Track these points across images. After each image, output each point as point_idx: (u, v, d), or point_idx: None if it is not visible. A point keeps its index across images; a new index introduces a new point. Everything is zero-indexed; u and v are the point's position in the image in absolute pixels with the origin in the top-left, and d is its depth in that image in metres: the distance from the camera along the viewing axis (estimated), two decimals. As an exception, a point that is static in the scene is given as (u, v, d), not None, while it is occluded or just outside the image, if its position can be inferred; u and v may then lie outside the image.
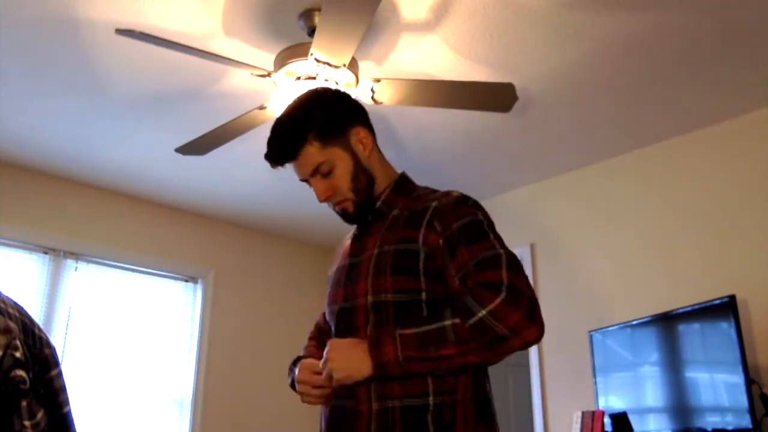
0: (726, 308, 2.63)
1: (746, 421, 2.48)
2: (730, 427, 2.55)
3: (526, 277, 1.24)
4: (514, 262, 1.25)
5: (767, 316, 2.83)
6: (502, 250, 1.26)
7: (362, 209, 1.45)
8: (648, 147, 3.47)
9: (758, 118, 3.12)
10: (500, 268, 1.22)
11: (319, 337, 1.60)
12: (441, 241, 1.30)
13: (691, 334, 2.82)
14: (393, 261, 1.32)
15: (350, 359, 1.24)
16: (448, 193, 1.39)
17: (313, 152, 1.39)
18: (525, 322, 1.17)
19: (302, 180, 1.45)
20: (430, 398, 1.24)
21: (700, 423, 2.67)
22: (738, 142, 3.17)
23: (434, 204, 1.36)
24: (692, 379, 2.75)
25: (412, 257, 1.32)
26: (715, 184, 3.20)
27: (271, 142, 1.41)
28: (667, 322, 2.89)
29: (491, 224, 1.35)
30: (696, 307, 2.80)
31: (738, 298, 2.68)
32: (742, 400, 2.49)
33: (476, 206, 1.37)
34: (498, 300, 1.17)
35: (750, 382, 2.51)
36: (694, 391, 2.72)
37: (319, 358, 1.35)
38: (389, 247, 1.35)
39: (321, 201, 1.45)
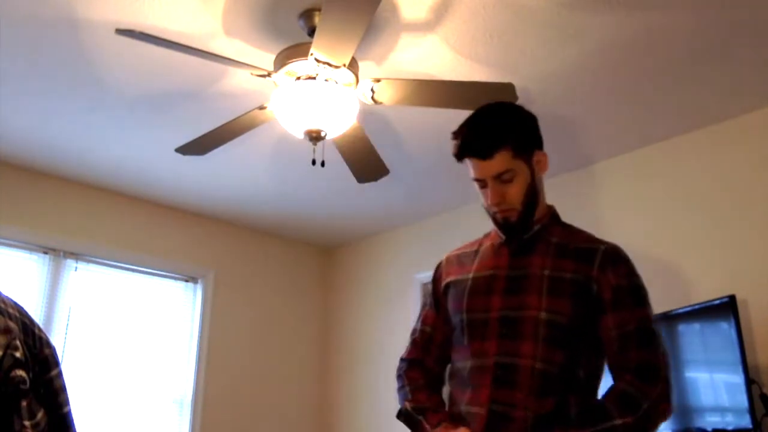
0: (726, 308, 2.63)
1: (746, 421, 2.48)
2: (730, 427, 2.55)
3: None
4: (662, 341, 1.48)
5: (767, 316, 2.83)
6: (654, 327, 1.48)
7: (523, 223, 1.56)
8: (647, 147, 3.47)
9: (759, 117, 3.12)
10: (657, 350, 1.45)
11: (427, 368, 1.69)
12: (610, 290, 1.49)
13: (691, 334, 2.81)
14: (572, 289, 1.48)
15: None
16: (611, 245, 1.57)
17: (505, 158, 1.50)
18: (671, 409, 1.43)
19: (477, 179, 1.55)
20: None
21: (700, 423, 2.67)
22: (739, 143, 3.17)
23: (602, 248, 1.54)
24: (692, 379, 2.75)
25: (585, 290, 1.49)
26: (716, 184, 3.20)
27: (470, 135, 1.53)
28: (667, 322, 2.88)
29: (647, 294, 1.53)
30: (696, 307, 2.80)
31: (738, 298, 2.68)
32: (742, 400, 2.49)
33: (636, 271, 1.56)
34: (657, 391, 1.41)
35: (750, 382, 2.51)
36: (694, 391, 2.72)
37: (439, 413, 1.56)
38: (567, 275, 1.50)
39: (489, 204, 1.56)
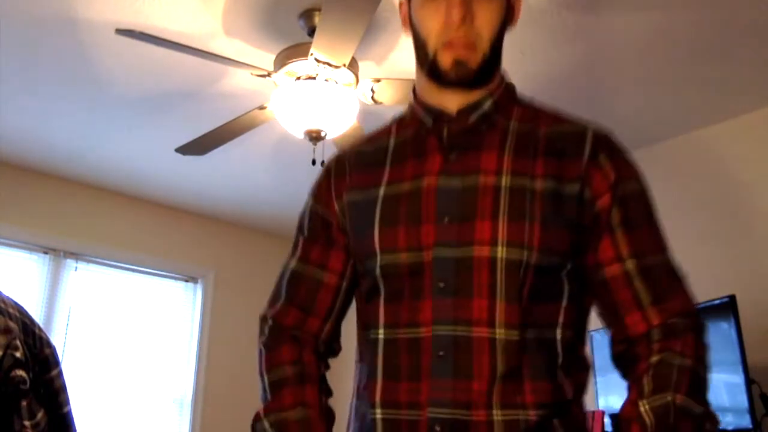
0: (726, 308, 2.63)
1: (746, 421, 2.48)
2: (730, 427, 2.55)
3: None
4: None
5: (766, 316, 2.83)
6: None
7: (480, 76, 1.02)
8: (647, 147, 3.47)
9: (759, 117, 3.12)
10: (684, 285, 1.02)
11: (304, 344, 1.11)
12: (614, 196, 0.99)
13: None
14: (544, 205, 0.96)
15: None
16: (601, 127, 1.07)
17: None
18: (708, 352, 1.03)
19: None
20: None
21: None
22: (739, 142, 3.17)
23: (592, 130, 1.04)
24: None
25: (568, 204, 0.97)
26: (715, 184, 3.20)
27: None
28: (667, 322, 2.88)
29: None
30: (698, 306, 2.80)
31: (738, 298, 2.68)
32: (742, 400, 2.49)
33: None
34: (700, 343, 1.04)
35: (750, 382, 2.51)
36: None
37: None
38: (537, 183, 0.97)
39: (444, 24, 0.99)
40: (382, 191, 1.04)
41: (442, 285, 0.95)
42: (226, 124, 2.69)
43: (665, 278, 1.00)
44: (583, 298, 1.03)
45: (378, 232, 1.01)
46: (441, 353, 0.94)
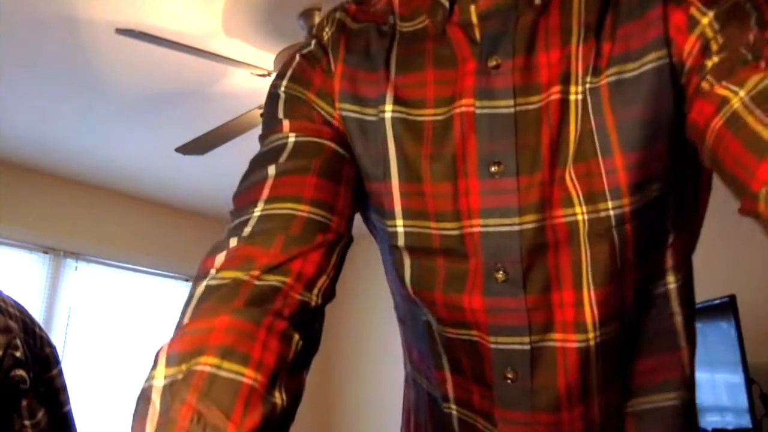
0: (726, 308, 2.63)
1: (746, 421, 2.48)
2: (730, 427, 2.55)
3: None
4: None
5: (766, 316, 2.83)
6: None
7: None
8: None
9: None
10: None
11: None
12: (696, 28, 0.59)
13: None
14: (623, 115, 0.61)
15: None
16: None
17: None
18: None
19: None
20: None
21: (700, 423, 2.67)
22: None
23: None
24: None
25: (645, 99, 0.60)
26: (714, 182, 3.19)
27: None
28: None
29: None
30: (696, 307, 2.80)
31: (738, 298, 2.68)
32: (742, 400, 2.49)
33: None
34: None
35: (750, 382, 2.51)
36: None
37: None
38: (611, 76, 0.61)
39: None
40: (389, 112, 0.67)
41: (501, 276, 0.63)
42: (225, 123, 2.69)
43: None
44: (692, 198, 0.72)
45: (398, 184, 0.66)
46: (510, 376, 0.64)
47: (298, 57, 0.74)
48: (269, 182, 0.64)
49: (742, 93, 0.55)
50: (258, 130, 3.26)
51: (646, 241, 0.64)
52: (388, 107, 0.67)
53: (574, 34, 0.63)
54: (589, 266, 0.62)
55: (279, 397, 0.54)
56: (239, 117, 2.66)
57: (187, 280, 4.40)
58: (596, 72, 0.62)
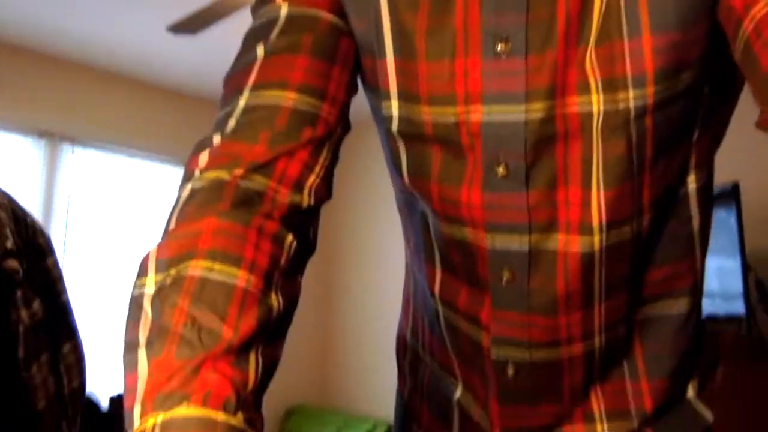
0: (728, 196, 2.61)
1: (740, 307, 2.52)
2: (721, 311, 2.60)
3: None
4: None
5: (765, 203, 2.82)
6: None
7: None
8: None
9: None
10: None
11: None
12: None
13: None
14: None
15: None
16: None
17: None
18: None
19: None
20: None
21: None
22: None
23: None
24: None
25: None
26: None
27: None
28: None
29: None
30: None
31: (742, 184, 2.66)
32: (737, 286, 2.52)
33: None
34: None
35: (747, 268, 2.53)
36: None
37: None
38: None
39: None
40: None
41: (502, 171, 0.58)
42: (218, 1, 2.56)
43: None
44: (721, 91, 0.62)
45: (394, 62, 0.60)
46: (506, 277, 0.61)
47: None
48: (257, 65, 0.59)
49: None
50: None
51: (669, 138, 0.57)
52: (386, 19, 0.60)
53: None
54: (601, 163, 0.56)
55: (275, 300, 0.52)
56: (232, -6, 2.53)
57: (184, 164, 4.37)
58: None
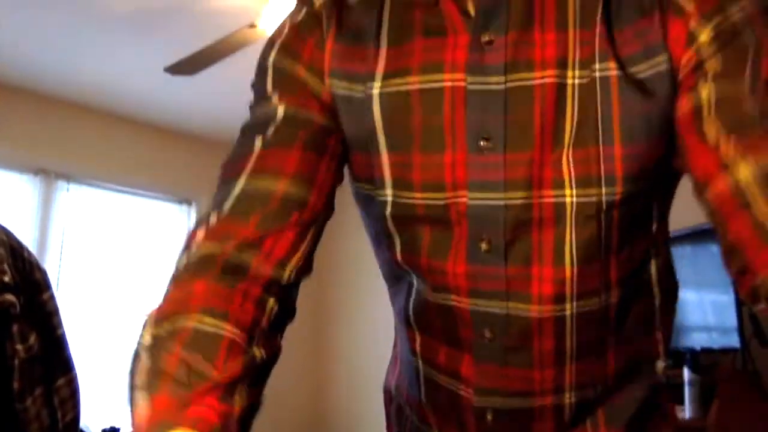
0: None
1: (734, 341, 2.53)
2: (716, 346, 2.60)
3: None
4: None
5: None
6: None
7: None
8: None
9: None
10: None
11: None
12: (693, 44, 0.61)
13: (682, 257, 2.83)
14: (624, 107, 0.62)
15: None
16: None
17: None
18: None
19: None
20: None
21: (689, 342, 2.72)
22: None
23: None
24: (683, 299, 2.79)
25: (650, 99, 0.62)
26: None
27: None
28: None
29: None
30: (689, 230, 2.81)
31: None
32: (731, 320, 2.53)
33: None
34: None
35: (741, 302, 2.54)
36: (684, 311, 2.77)
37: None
38: (612, 71, 0.62)
39: None
40: (376, 88, 0.67)
41: (485, 246, 0.65)
42: (215, 43, 2.61)
43: None
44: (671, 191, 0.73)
45: (387, 156, 0.67)
46: (488, 335, 0.68)
47: (288, 26, 0.74)
48: (254, 155, 0.67)
49: (750, 168, 0.57)
50: (249, 50, 3.19)
51: (632, 227, 0.67)
52: (377, 84, 0.68)
53: (571, 17, 0.63)
54: (573, 245, 0.64)
55: (258, 351, 0.60)
56: (228, 36, 2.58)
57: (180, 203, 4.38)
58: (602, 60, 0.62)
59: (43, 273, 1.18)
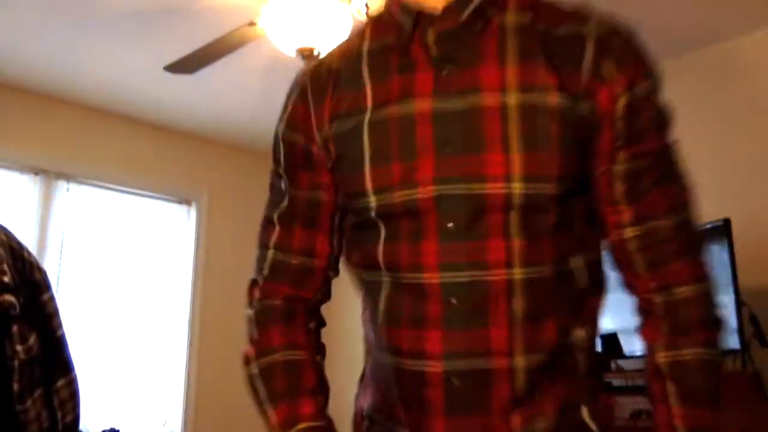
0: (720, 232, 2.63)
1: (734, 342, 2.52)
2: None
3: None
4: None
5: (758, 239, 2.84)
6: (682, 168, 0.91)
7: None
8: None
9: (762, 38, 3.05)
10: (702, 243, 0.95)
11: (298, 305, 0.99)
12: (617, 106, 0.85)
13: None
14: (562, 126, 0.84)
15: None
16: (607, 17, 0.88)
17: None
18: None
19: None
20: None
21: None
22: (730, 70, 3.10)
23: (592, 26, 0.86)
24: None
25: (582, 122, 0.85)
26: (707, 110, 3.15)
27: None
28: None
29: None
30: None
31: (732, 221, 2.68)
32: (732, 322, 2.53)
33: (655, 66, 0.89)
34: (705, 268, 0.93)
35: (741, 304, 2.54)
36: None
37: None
38: (551, 98, 0.84)
39: None
40: (367, 117, 0.89)
41: (451, 226, 0.84)
42: (214, 41, 2.61)
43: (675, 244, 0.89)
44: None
45: (369, 171, 0.88)
46: (454, 301, 0.84)
47: (293, 96, 0.98)
48: (275, 232, 0.98)
49: (636, 231, 0.88)
50: (249, 48, 3.16)
51: (561, 218, 0.86)
52: (367, 115, 0.89)
53: (511, 55, 0.85)
54: (510, 225, 0.84)
55: (318, 358, 0.98)
56: (227, 35, 2.57)
57: (180, 202, 4.38)
58: (534, 90, 0.84)
59: (43, 273, 1.17)
